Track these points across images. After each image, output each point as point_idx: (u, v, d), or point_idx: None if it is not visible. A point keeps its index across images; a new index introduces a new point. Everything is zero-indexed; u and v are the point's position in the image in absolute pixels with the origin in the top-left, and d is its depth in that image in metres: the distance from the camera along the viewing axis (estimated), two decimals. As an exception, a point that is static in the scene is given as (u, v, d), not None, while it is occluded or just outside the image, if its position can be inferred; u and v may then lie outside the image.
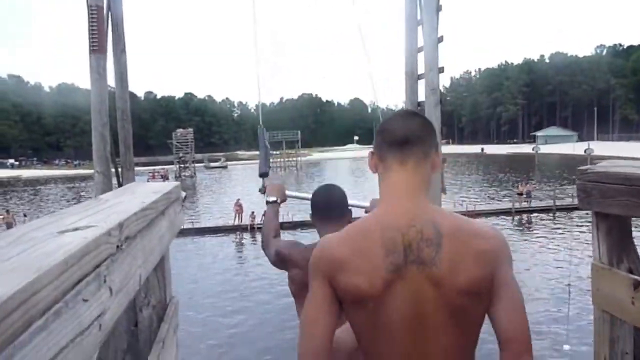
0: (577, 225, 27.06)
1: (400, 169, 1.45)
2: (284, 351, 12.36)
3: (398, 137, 1.46)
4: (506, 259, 1.43)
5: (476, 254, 1.37)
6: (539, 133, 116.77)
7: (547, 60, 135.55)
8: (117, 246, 0.94)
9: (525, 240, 24.82)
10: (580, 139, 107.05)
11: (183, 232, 28.10)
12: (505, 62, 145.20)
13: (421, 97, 11.28)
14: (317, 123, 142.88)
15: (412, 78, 11.38)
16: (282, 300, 17.00)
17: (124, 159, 11.54)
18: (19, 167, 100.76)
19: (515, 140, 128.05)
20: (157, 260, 1.47)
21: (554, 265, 19.73)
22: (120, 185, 10.98)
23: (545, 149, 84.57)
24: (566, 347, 11.62)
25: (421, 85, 11.20)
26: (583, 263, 19.36)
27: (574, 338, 11.91)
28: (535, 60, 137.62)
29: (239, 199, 30.46)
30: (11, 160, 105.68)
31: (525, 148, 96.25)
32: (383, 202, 1.48)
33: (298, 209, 34.01)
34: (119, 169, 11.06)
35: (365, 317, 1.38)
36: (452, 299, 1.35)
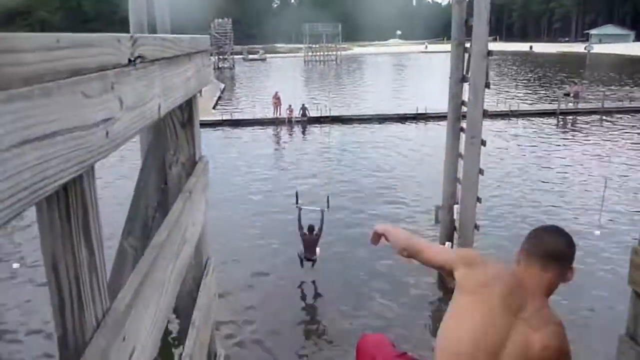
0: (623, 129, 26.15)
1: (538, 271, 1.93)
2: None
3: (546, 251, 1.92)
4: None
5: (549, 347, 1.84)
6: (593, 31, 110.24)
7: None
8: (129, 60, 0.87)
9: (567, 140, 24.20)
10: (638, 38, 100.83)
11: (221, 123, 28.37)
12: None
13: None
14: (359, 16, 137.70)
15: (462, -39, 10.64)
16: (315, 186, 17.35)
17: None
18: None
19: (566, 39, 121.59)
20: (180, 100, 1.39)
21: (593, 164, 19.35)
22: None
23: (598, 48, 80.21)
24: (597, 232, 12.17)
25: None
26: (624, 165, 18.91)
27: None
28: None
29: (277, 92, 30.23)
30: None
31: (577, 47, 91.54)
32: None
33: (333, 106, 33.63)
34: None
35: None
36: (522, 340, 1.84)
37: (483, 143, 10.52)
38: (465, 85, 11.01)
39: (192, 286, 1.92)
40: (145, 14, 10.78)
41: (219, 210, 15.19)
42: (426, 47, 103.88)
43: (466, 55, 11.00)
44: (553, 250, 1.91)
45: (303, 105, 29.18)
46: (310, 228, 11.00)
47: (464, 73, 11.12)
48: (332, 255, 12.24)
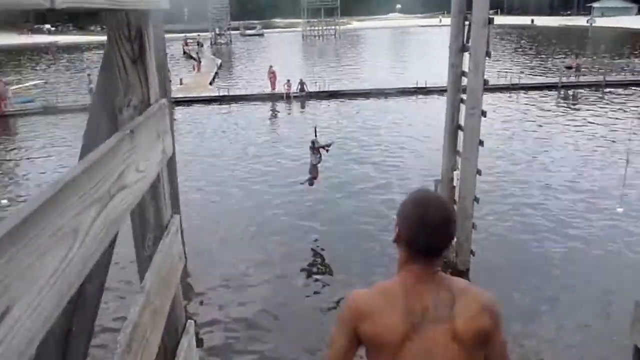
0: (626, 102, 25.79)
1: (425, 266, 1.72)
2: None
3: (426, 247, 1.70)
4: (501, 319, 1.76)
5: (482, 306, 1.70)
6: (595, 4, 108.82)
7: None
8: None
9: (570, 114, 23.86)
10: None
11: (218, 99, 28.02)
12: None
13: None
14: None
15: None
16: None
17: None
18: (56, 32, 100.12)
19: (568, 12, 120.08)
20: None
21: (600, 136, 19.08)
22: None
23: (600, 22, 79.10)
24: (619, 209, 12.08)
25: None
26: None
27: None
28: None
29: (271, 66, 29.77)
30: (47, 26, 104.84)
31: (579, 21, 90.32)
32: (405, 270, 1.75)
33: (332, 80, 33.03)
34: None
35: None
36: (463, 345, 1.65)
37: (483, 114, 10.25)
38: (465, 56, 10.70)
39: (152, 249, 1.69)
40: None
41: (213, 188, 15.01)
42: (440, 20, 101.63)
43: (466, 25, 10.68)
44: (432, 245, 1.75)
45: (301, 80, 28.74)
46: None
47: (464, 42, 10.79)
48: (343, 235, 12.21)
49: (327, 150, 13.06)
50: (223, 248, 11.60)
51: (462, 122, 10.89)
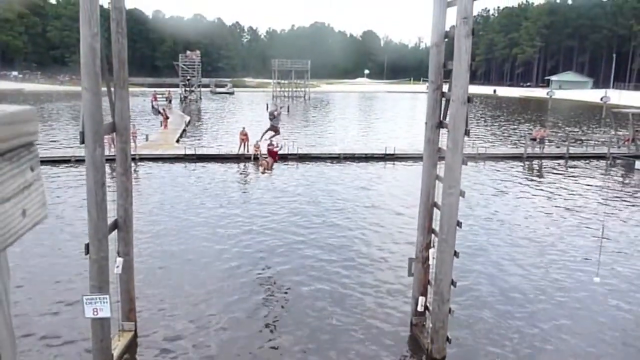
0: (590, 175, 26.21)
1: None
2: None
3: None
4: None
5: None
6: (553, 77, 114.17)
7: (570, 2, 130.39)
8: None
9: (537, 185, 24.01)
10: (596, 86, 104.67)
11: (184, 158, 27.38)
12: (527, 1, 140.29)
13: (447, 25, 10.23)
14: (328, 54, 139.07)
15: (442, 3, 10.20)
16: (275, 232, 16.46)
17: (117, 76, 10.45)
18: (23, 80, 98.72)
19: (528, 84, 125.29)
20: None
21: (572, 209, 19.07)
22: (112, 104, 9.94)
23: (559, 94, 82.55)
24: (596, 279, 12.03)
25: (450, 14, 10.13)
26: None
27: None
28: (558, 1, 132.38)
29: (244, 128, 29.44)
30: (15, 73, 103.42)
31: (539, 92, 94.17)
32: None
33: (304, 143, 32.88)
34: (112, 87, 9.98)
35: None
36: None
37: (462, 194, 9.92)
38: (441, 131, 10.49)
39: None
40: (98, 38, 9.40)
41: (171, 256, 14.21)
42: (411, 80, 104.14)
43: (443, 100, 10.51)
44: None
45: (270, 141, 28.32)
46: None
47: (441, 119, 10.59)
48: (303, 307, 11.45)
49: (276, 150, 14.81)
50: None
51: (437, 199, 10.56)
